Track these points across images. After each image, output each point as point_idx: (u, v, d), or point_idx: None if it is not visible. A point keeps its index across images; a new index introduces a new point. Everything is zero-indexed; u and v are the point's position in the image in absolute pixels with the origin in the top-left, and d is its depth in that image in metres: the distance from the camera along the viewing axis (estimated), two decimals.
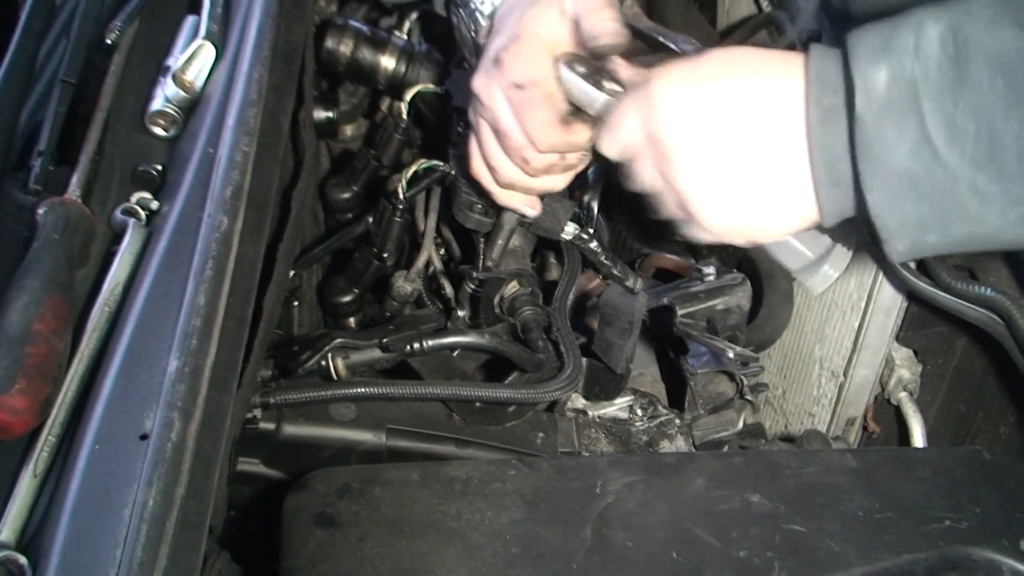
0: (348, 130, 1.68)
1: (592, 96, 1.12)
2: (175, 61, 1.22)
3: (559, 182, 1.25)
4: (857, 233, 1.01)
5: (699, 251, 1.52)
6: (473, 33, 1.27)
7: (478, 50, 1.25)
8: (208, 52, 1.21)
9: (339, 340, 1.23)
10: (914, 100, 0.91)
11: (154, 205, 1.14)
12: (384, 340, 1.25)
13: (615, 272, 1.41)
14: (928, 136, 0.91)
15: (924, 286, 1.46)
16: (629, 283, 1.41)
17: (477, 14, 1.26)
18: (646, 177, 1.08)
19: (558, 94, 1.15)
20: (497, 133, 1.20)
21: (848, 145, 0.95)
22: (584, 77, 1.12)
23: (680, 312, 1.33)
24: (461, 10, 1.27)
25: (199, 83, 1.21)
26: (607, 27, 1.13)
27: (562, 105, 1.15)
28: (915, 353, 1.68)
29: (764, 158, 1.01)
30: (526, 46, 1.16)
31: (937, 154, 0.91)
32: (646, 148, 1.06)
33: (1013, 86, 0.89)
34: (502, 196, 1.28)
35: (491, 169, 1.24)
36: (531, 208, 1.31)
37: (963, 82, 0.90)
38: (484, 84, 1.19)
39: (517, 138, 1.18)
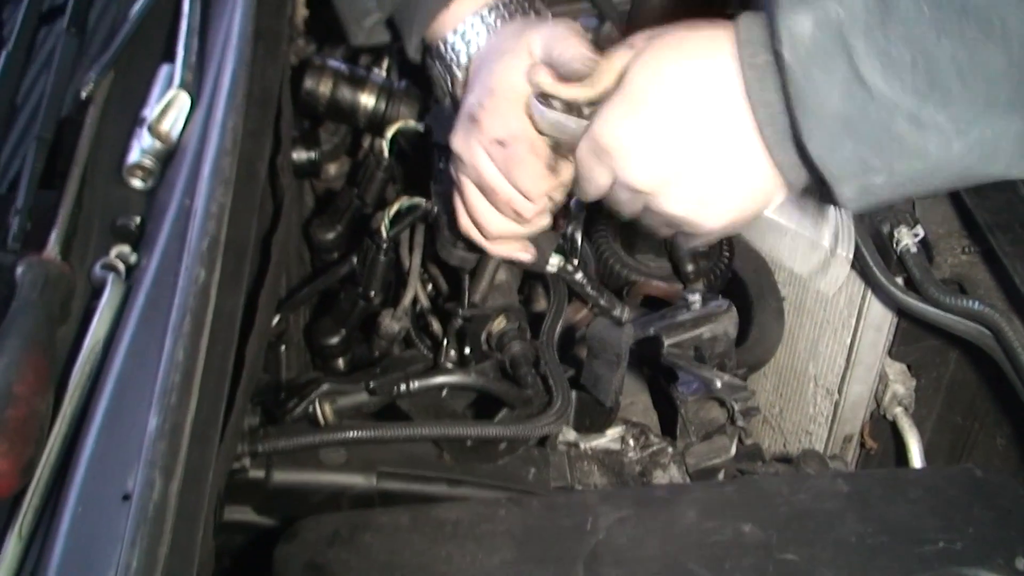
0: (331, 169, 1.68)
1: (571, 128, 1.12)
2: (151, 111, 1.22)
3: (547, 219, 1.26)
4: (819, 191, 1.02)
5: (686, 276, 1.51)
6: (449, 84, 1.27)
7: (455, 101, 1.25)
8: (183, 101, 1.21)
9: (326, 386, 1.22)
10: (841, 41, 0.91)
11: (133, 259, 1.14)
12: (371, 384, 1.24)
13: (601, 303, 1.41)
14: (860, 75, 0.91)
15: (913, 301, 1.46)
16: (616, 313, 1.41)
17: (453, 66, 1.25)
18: (626, 205, 1.11)
19: (540, 142, 1.15)
20: (483, 189, 1.20)
21: (783, 98, 0.97)
22: (561, 110, 1.12)
23: (667, 342, 1.32)
24: (436, 61, 1.26)
25: (175, 133, 1.21)
26: (576, 53, 1.13)
27: (546, 151, 1.16)
28: (908, 368, 1.68)
29: (721, 137, 1.03)
30: (501, 100, 1.16)
31: (871, 91, 0.92)
32: (617, 184, 1.07)
33: (939, 6, 0.89)
34: (495, 249, 1.28)
35: (479, 225, 1.24)
36: (526, 253, 1.31)
37: (890, 14, 0.90)
38: (464, 143, 1.19)
39: (507, 193, 1.18)
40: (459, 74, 1.25)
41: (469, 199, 1.23)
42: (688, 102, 1.03)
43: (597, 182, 1.11)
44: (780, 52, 0.94)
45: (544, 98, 1.13)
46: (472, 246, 1.36)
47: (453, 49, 1.25)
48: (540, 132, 1.15)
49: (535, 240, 1.34)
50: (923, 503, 1.15)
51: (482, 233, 1.25)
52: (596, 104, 1.10)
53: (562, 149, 1.15)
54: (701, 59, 1.03)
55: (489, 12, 1.23)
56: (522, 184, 1.17)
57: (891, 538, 1.10)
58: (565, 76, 1.13)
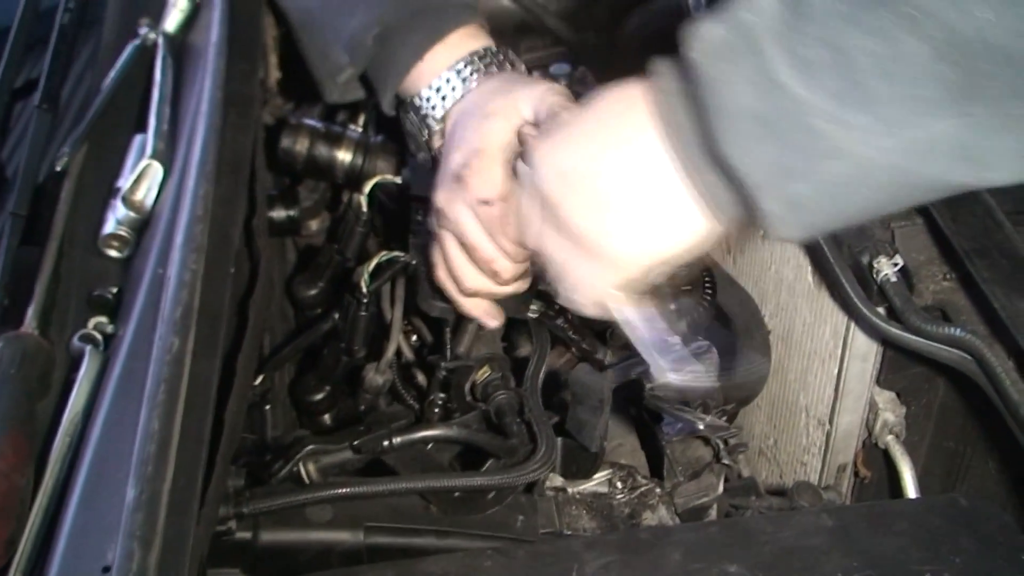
0: (312, 225, 1.69)
1: None
2: (125, 182, 1.24)
3: (526, 284, 1.26)
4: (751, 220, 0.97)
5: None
6: (425, 137, 1.28)
7: (431, 155, 1.26)
8: (155, 171, 1.23)
9: (310, 447, 1.23)
10: (752, 43, 0.87)
11: (110, 329, 1.15)
12: (355, 442, 1.25)
13: (584, 346, 1.42)
14: (773, 76, 0.86)
15: (895, 330, 1.46)
16: (599, 356, 1.42)
17: (428, 120, 1.26)
18: (554, 254, 1.09)
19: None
20: (465, 246, 1.21)
21: (694, 113, 0.93)
22: None
23: (648, 386, 1.33)
24: (412, 114, 1.28)
25: (148, 202, 1.22)
26: (554, 104, 1.14)
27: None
28: (898, 395, 1.68)
29: (638, 169, 1.00)
30: (488, 161, 1.16)
31: (786, 91, 0.85)
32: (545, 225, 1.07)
33: (851, 2, 0.83)
34: (467, 305, 1.29)
35: (457, 278, 1.25)
36: (493, 320, 1.31)
37: (803, 13, 0.85)
38: (448, 201, 1.20)
39: (488, 252, 1.19)
40: (435, 127, 1.26)
41: (449, 253, 1.24)
42: (605, 134, 1.02)
43: (533, 223, 1.09)
44: (689, 57, 0.91)
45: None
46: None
47: (428, 103, 1.26)
48: None
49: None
50: (908, 535, 1.15)
51: (458, 287, 1.26)
52: None
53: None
54: (622, 99, 1.02)
55: (465, 66, 1.25)
56: (505, 244, 1.18)
57: (877, 572, 1.10)
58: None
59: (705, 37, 0.90)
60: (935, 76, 0.82)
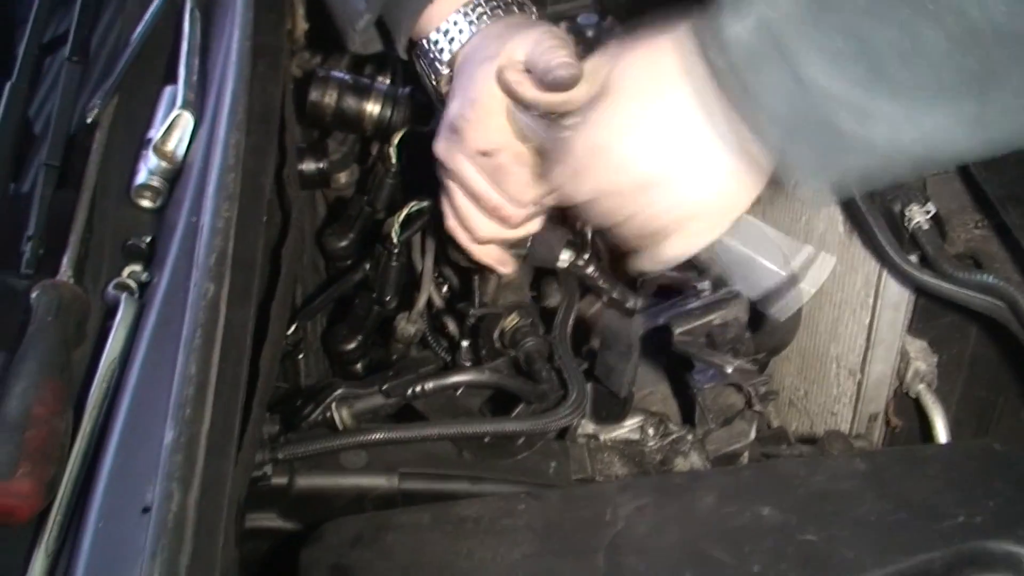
0: (342, 178, 1.69)
1: (554, 136, 1.12)
2: (156, 133, 1.24)
3: (537, 224, 1.26)
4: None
5: (700, 265, 1.51)
6: (434, 82, 1.27)
7: (440, 99, 1.26)
8: (186, 121, 1.23)
9: (340, 391, 1.24)
10: (774, 42, 0.89)
11: (145, 277, 1.16)
12: (384, 386, 1.26)
13: (614, 295, 1.42)
14: (799, 74, 0.89)
15: (927, 278, 1.45)
16: (629, 304, 1.42)
17: (436, 63, 1.25)
18: (611, 213, 1.10)
19: (525, 150, 1.15)
20: (470, 196, 1.21)
21: (726, 107, 0.96)
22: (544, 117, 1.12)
23: (677, 331, 1.33)
24: (421, 60, 1.27)
25: (180, 153, 1.23)
26: (558, 60, 1.12)
27: (533, 159, 1.15)
28: (929, 344, 1.67)
29: (688, 138, 1.02)
30: (483, 111, 1.16)
31: (812, 90, 0.89)
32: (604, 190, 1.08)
33: None
34: (479, 252, 1.29)
35: (468, 228, 1.25)
36: (506, 267, 1.32)
37: (824, 7, 0.88)
38: (447, 152, 1.20)
39: (494, 200, 1.19)
40: (443, 71, 1.25)
41: (456, 203, 1.24)
42: (656, 106, 1.03)
43: (583, 189, 1.11)
44: (714, 63, 0.94)
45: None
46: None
47: (436, 47, 1.24)
48: (524, 140, 1.15)
49: (545, 236, 1.35)
50: (942, 479, 1.15)
51: (470, 236, 1.26)
52: (577, 112, 1.10)
53: (549, 154, 1.14)
54: (663, 68, 1.02)
55: (473, 9, 1.23)
56: (510, 191, 1.18)
57: (910, 515, 1.10)
58: (547, 84, 1.13)
59: (727, 41, 0.92)
60: (954, 65, 0.86)
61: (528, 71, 1.15)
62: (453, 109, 1.18)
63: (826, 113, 0.90)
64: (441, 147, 1.21)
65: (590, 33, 1.50)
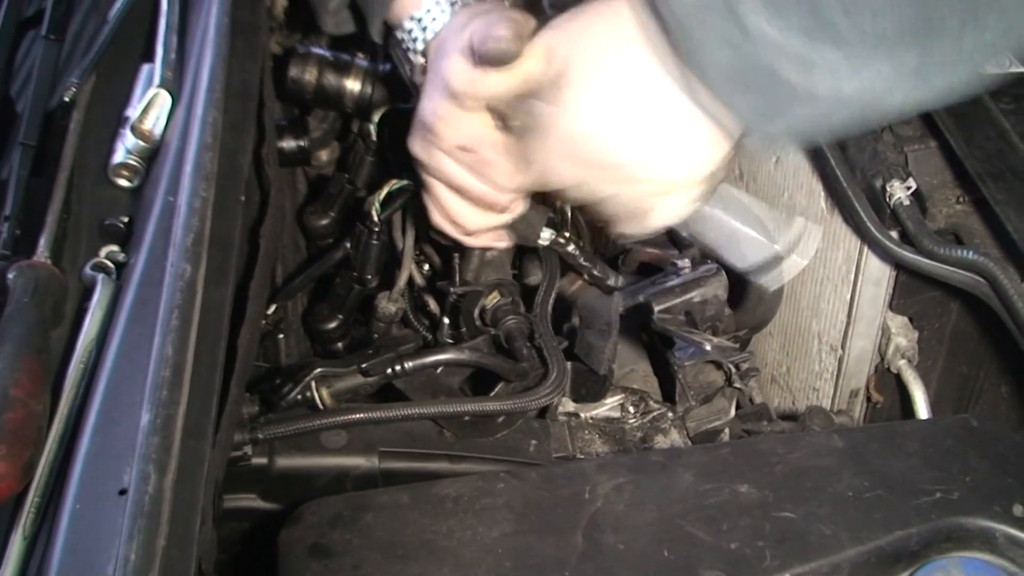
0: (323, 155, 1.69)
1: (527, 124, 1.10)
2: (133, 111, 1.23)
3: (524, 203, 1.25)
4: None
5: (681, 242, 1.52)
6: (408, 73, 1.25)
7: (416, 90, 1.23)
8: (164, 100, 1.22)
9: (319, 370, 1.24)
10: None
11: (122, 257, 1.15)
12: (364, 365, 1.26)
13: (595, 272, 1.42)
14: (743, 22, 0.88)
15: (908, 254, 1.46)
16: (610, 282, 1.42)
17: (411, 53, 1.22)
18: (594, 188, 1.10)
19: (504, 138, 1.12)
20: (454, 189, 1.18)
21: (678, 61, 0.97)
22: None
23: (656, 308, 1.33)
24: (395, 49, 1.25)
25: (157, 131, 1.22)
26: (492, 35, 1.07)
27: (513, 145, 1.12)
28: (910, 320, 1.68)
29: (656, 102, 1.02)
30: (455, 107, 1.12)
31: (755, 38, 0.89)
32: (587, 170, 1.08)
33: None
34: (472, 241, 1.27)
35: (457, 222, 1.22)
36: (503, 241, 1.30)
37: None
38: (424, 150, 1.17)
39: (479, 190, 1.16)
40: (418, 61, 1.21)
41: (441, 199, 1.20)
42: (619, 74, 1.02)
43: (561, 173, 1.10)
44: (664, 17, 0.94)
45: None
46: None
47: (410, 35, 1.20)
48: (502, 129, 1.12)
49: (526, 214, 1.35)
50: (919, 455, 1.15)
51: (460, 229, 1.23)
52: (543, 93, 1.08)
53: (526, 141, 1.11)
54: (620, 30, 1.01)
55: None
56: (495, 180, 1.15)
57: (888, 491, 1.11)
58: (479, 61, 1.08)
59: None
60: (894, 13, 0.85)
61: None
62: (427, 106, 1.15)
63: (770, 63, 0.90)
64: (418, 145, 1.17)
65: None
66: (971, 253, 1.39)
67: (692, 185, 1.09)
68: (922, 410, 1.64)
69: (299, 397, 1.25)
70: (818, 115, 0.94)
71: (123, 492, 0.91)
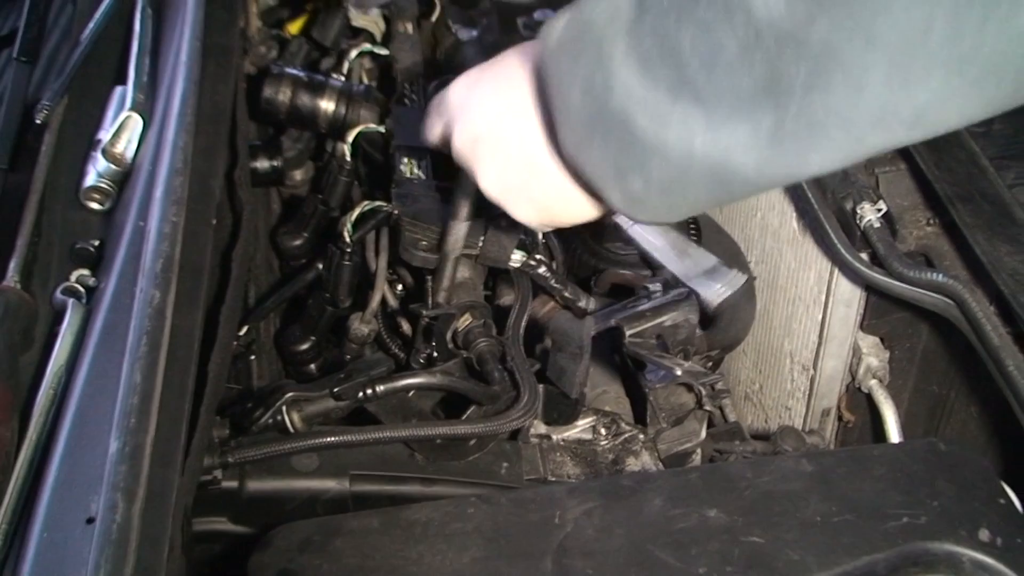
0: (297, 175, 1.69)
1: None
2: (105, 135, 1.23)
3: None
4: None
5: (652, 264, 1.52)
6: None
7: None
8: (135, 123, 1.22)
9: (291, 394, 1.24)
10: (594, 40, 0.87)
11: (93, 282, 1.15)
12: (335, 389, 1.26)
13: (567, 295, 1.43)
14: (609, 74, 0.87)
15: (878, 276, 1.46)
16: (582, 304, 1.42)
17: None
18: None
19: None
20: None
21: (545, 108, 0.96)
22: None
23: (628, 333, 1.33)
24: None
25: (129, 155, 1.22)
26: None
27: None
28: (881, 340, 1.69)
29: (519, 137, 1.02)
30: None
31: (619, 89, 0.86)
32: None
33: None
34: None
35: None
36: None
37: (645, 9, 0.85)
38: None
39: None
40: None
41: None
42: (495, 105, 1.04)
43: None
44: (536, 53, 0.94)
45: None
46: (433, 246, 1.37)
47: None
48: None
49: (498, 236, 1.36)
50: (887, 479, 1.16)
51: None
52: None
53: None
54: (507, 70, 1.03)
55: None
56: None
57: (855, 515, 1.12)
58: None
59: (548, 32, 0.92)
60: (745, 66, 0.80)
61: None
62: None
63: (624, 110, 0.87)
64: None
65: None
66: (940, 276, 1.40)
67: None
68: (893, 430, 1.65)
69: (270, 421, 1.25)
70: (672, 173, 0.89)
71: (91, 520, 0.91)
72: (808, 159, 0.83)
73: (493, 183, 1.06)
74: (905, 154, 1.50)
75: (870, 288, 1.57)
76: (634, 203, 0.94)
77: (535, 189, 1.04)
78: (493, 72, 1.06)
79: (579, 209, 1.04)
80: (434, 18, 1.79)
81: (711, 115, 0.83)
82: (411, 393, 1.31)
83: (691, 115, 0.84)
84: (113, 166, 1.22)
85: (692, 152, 0.85)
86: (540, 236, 1.45)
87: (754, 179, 0.86)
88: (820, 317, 1.65)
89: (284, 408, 1.24)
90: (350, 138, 1.52)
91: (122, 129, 1.22)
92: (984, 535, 1.10)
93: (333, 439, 1.24)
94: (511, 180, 1.05)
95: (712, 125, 0.83)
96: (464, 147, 1.07)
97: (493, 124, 1.04)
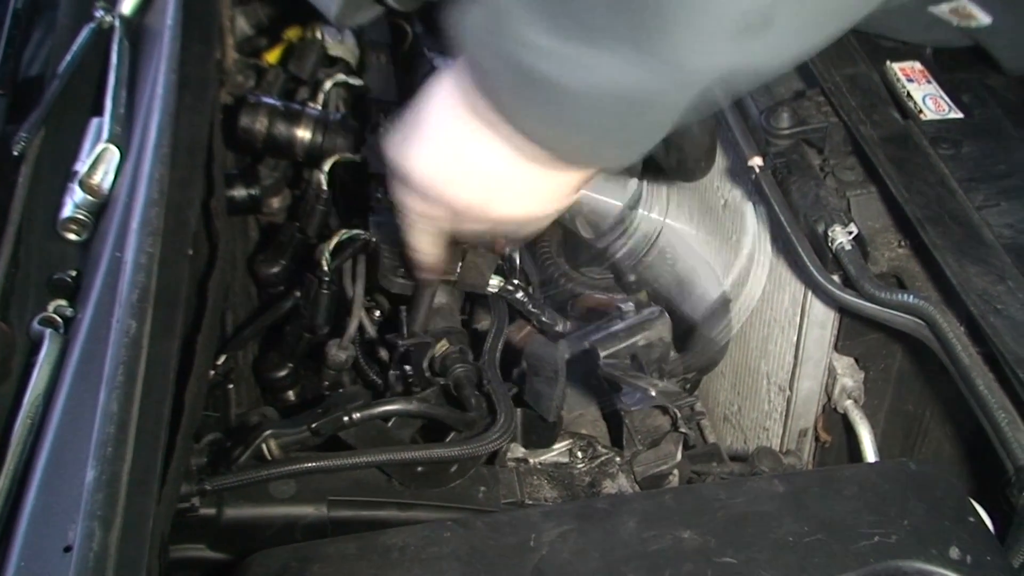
0: (274, 203, 1.70)
1: None
2: (82, 166, 1.24)
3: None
4: None
5: (628, 287, 1.54)
6: None
7: None
8: (112, 155, 1.24)
9: (269, 431, 1.24)
10: (498, 11, 0.95)
11: (70, 312, 1.16)
12: (314, 425, 1.26)
13: (543, 319, 1.44)
14: (513, 35, 0.94)
15: (850, 298, 1.48)
16: (559, 328, 1.44)
17: None
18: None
19: None
20: None
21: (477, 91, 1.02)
22: None
23: (602, 354, 1.35)
24: None
25: (106, 186, 1.23)
26: None
27: None
28: (856, 361, 1.70)
29: (470, 138, 1.07)
30: None
31: (520, 46, 0.93)
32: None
33: None
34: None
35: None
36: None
37: None
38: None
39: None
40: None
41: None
42: (439, 112, 1.09)
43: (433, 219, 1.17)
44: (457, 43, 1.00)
45: None
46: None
47: None
48: None
49: (475, 261, 1.37)
50: (858, 499, 1.17)
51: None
52: None
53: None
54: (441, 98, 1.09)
55: None
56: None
57: (827, 535, 1.13)
58: None
59: (465, 21, 0.98)
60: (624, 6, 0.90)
61: None
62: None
63: (532, 65, 0.94)
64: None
65: None
66: (911, 297, 1.41)
67: (542, 216, 1.15)
68: (869, 450, 1.66)
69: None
70: (596, 116, 0.97)
71: (68, 549, 0.92)
72: (683, 65, 0.92)
73: (427, 165, 1.11)
74: (875, 177, 1.52)
75: (843, 310, 1.59)
76: (574, 151, 1.03)
77: (470, 164, 1.09)
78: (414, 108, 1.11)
79: (521, 187, 1.09)
80: (407, 46, 1.81)
81: (600, 48, 0.92)
82: (390, 423, 1.32)
83: (583, 54, 0.92)
84: (90, 197, 1.23)
85: (599, 89, 0.94)
86: (517, 261, 1.47)
87: (654, 98, 0.96)
88: (795, 338, 1.67)
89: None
90: (327, 166, 1.54)
91: (99, 160, 1.23)
92: (955, 553, 1.11)
93: (312, 465, 1.24)
94: (444, 158, 1.10)
95: (603, 60, 0.92)
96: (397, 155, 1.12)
97: (423, 121, 1.10)
